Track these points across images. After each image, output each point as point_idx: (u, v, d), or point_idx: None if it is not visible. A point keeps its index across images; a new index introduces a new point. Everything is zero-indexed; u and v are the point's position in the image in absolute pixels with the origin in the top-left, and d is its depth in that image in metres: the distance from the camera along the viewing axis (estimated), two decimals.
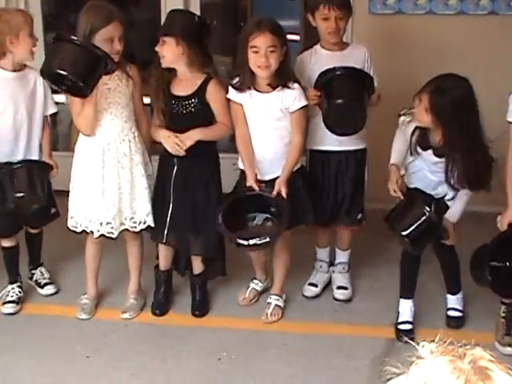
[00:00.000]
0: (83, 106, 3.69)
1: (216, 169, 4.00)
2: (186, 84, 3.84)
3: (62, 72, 3.51)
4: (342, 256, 4.32)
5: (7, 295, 4.14)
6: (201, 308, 4.11)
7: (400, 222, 3.65)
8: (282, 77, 3.72)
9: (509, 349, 3.66)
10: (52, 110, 4.06)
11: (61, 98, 3.96)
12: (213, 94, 3.82)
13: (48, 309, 4.16)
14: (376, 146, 3.96)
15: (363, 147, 4.10)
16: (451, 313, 3.92)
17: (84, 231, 3.93)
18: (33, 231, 4.26)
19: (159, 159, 4.02)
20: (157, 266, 4.16)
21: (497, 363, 1.19)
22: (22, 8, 5.45)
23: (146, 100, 4.06)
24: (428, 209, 3.56)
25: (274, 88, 3.73)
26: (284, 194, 3.73)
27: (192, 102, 3.82)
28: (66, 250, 4.66)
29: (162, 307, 4.11)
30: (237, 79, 3.77)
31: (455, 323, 3.89)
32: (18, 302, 4.13)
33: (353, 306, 4.16)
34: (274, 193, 3.74)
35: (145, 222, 3.95)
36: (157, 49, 3.76)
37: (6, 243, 4.15)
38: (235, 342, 3.82)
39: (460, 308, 3.93)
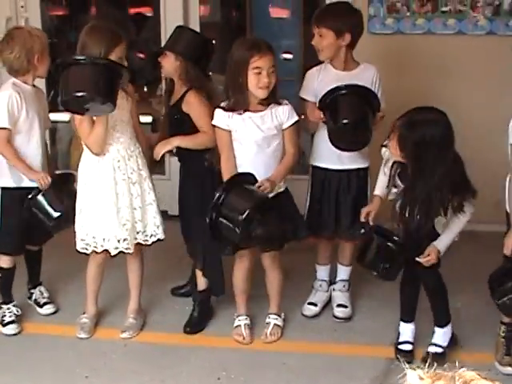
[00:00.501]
0: (93, 125, 3.71)
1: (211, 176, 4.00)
2: (175, 95, 3.99)
3: (82, 94, 3.51)
4: (342, 273, 4.31)
5: (4, 316, 4.11)
6: (193, 325, 4.12)
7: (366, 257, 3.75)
8: (274, 94, 3.74)
9: (509, 369, 3.65)
10: (49, 125, 4.21)
11: (60, 116, 3.97)
12: (189, 104, 3.91)
13: (47, 328, 4.14)
14: (379, 164, 3.96)
15: (365, 166, 4.11)
16: (432, 348, 3.78)
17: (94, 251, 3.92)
18: (33, 249, 4.25)
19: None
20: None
21: (488, 381, 1.21)
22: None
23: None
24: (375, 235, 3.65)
25: (266, 106, 3.75)
26: (268, 190, 3.67)
27: (174, 112, 3.98)
28: (66, 269, 4.66)
29: (194, 326, 4.14)
30: (224, 103, 3.77)
31: (434, 359, 3.61)
32: (18, 321, 4.11)
33: (352, 325, 4.15)
34: (257, 185, 3.66)
35: (156, 235, 3.97)
36: (159, 59, 3.96)
37: (5, 264, 4.11)
38: (235, 361, 3.81)
39: (443, 344, 3.79)
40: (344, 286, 4.30)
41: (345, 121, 3.78)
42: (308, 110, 3.98)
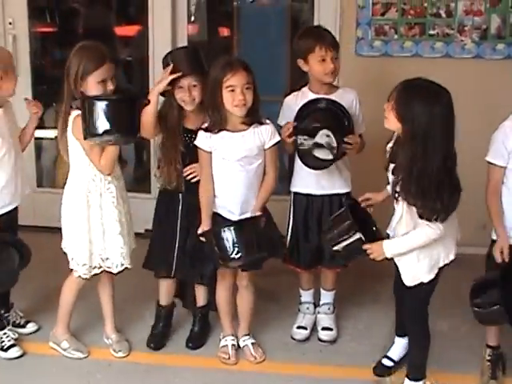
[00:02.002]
0: (105, 147, 3.69)
1: None
2: (191, 121, 3.91)
3: (108, 132, 3.50)
4: (326, 297, 4.30)
5: (3, 341, 4.02)
6: (195, 340, 4.12)
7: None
8: (255, 114, 3.75)
9: None
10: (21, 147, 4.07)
11: (45, 133, 3.93)
12: None
13: (30, 346, 4.09)
14: (361, 189, 3.95)
15: (347, 191, 4.08)
16: (385, 361, 3.82)
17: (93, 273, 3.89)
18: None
19: (159, 196, 4.07)
20: (158, 302, 4.18)
21: None
22: (10, 44, 5.51)
23: None
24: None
25: (248, 125, 3.75)
26: (257, 213, 3.75)
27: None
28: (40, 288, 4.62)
29: (158, 342, 4.10)
30: (206, 124, 3.77)
31: (382, 370, 3.81)
32: (18, 344, 4.04)
33: (338, 347, 4.14)
34: (249, 214, 3.75)
35: (122, 264, 3.91)
36: (185, 93, 3.80)
37: None
38: (219, 381, 3.79)
39: (396, 359, 3.83)
40: (329, 308, 4.28)
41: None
42: (282, 129, 3.95)
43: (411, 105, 3.16)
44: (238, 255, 3.58)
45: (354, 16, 5.19)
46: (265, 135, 3.76)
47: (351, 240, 3.44)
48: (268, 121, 3.79)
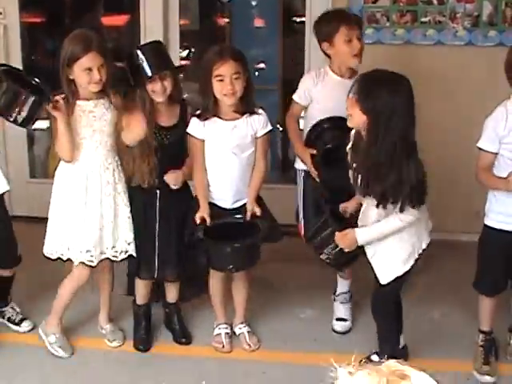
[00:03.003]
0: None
1: (191, 195, 3.98)
2: (166, 115, 3.87)
3: None
4: (343, 286, 4.26)
5: (12, 316, 4.16)
6: (187, 334, 4.10)
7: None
8: (248, 103, 3.75)
9: (487, 378, 3.67)
10: None
11: (37, 123, 3.91)
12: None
13: (21, 337, 4.12)
14: None
15: None
16: (374, 357, 3.74)
17: (59, 259, 3.87)
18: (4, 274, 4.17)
19: (134, 193, 3.93)
20: (134, 301, 4.12)
21: (410, 366, 1.33)
22: (1, 34, 5.48)
23: None
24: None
25: (241, 114, 3.75)
26: (258, 213, 3.76)
27: (175, 133, 3.87)
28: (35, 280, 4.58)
29: (145, 343, 4.05)
30: (199, 111, 3.77)
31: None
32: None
33: (333, 336, 4.14)
34: (248, 214, 3.76)
35: (126, 252, 3.92)
36: (157, 84, 3.72)
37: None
38: (215, 371, 3.81)
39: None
40: (345, 298, 4.26)
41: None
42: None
43: (375, 95, 3.20)
44: (233, 267, 3.72)
45: (345, 4, 5.16)
46: (257, 124, 3.76)
47: (335, 246, 3.50)
48: (261, 110, 3.80)
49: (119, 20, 6.46)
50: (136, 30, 5.59)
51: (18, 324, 4.20)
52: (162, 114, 3.85)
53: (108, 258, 3.92)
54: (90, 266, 3.85)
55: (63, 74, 3.70)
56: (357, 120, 3.28)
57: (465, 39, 5.13)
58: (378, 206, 3.30)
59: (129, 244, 3.92)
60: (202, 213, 3.74)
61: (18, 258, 4.09)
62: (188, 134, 3.80)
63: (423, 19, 5.15)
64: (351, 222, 3.57)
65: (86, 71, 3.66)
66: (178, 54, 5.54)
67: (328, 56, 4.01)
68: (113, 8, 6.58)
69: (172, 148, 3.87)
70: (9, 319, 4.21)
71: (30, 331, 4.16)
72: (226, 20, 6.34)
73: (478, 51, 5.11)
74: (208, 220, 3.72)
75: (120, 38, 6.54)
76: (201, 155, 3.79)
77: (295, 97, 4.08)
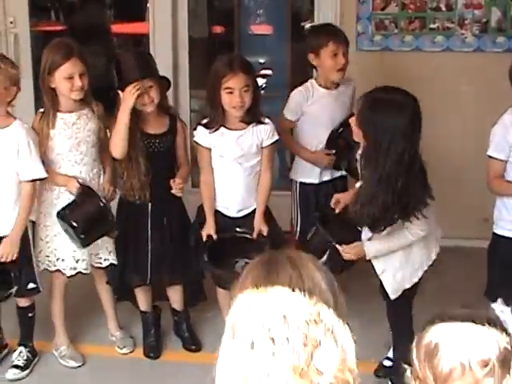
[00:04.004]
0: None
1: (182, 203, 3.98)
2: (153, 124, 3.86)
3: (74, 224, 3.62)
4: None
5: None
6: (197, 341, 4.10)
7: None
8: (255, 113, 3.75)
9: None
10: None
11: None
12: (180, 133, 3.97)
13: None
14: None
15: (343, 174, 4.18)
16: (386, 362, 3.79)
17: (46, 269, 3.87)
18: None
19: (124, 205, 3.93)
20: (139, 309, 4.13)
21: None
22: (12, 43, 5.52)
23: None
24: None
25: (247, 124, 3.75)
26: (265, 233, 3.77)
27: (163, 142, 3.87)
28: None
29: (155, 350, 4.05)
30: (206, 120, 3.77)
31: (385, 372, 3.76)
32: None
33: None
34: (255, 235, 3.76)
35: (109, 260, 3.94)
36: (140, 92, 3.66)
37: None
38: None
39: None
40: None
41: None
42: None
43: (374, 121, 3.13)
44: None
45: (354, 11, 5.18)
46: (263, 134, 3.77)
47: (328, 254, 3.49)
48: (268, 120, 3.79)
49: (129, 28, 6.50)
50: (145, 38, 5.61)
51: None
52: (150, 122, 3.84)
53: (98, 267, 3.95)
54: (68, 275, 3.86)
55: (44, 84, 3.71)
56: (357, 138, 3.27)
57: (473, 45, 5.13)
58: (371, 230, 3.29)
59: (109, 253, 3.93)
60: (209, 230, 3.75)
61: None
62: (195, 142, 3.81)
63: (432, 26, 5.16)
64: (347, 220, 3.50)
65: (68, 78, 3.66)
66: (186, 64, 5.55)
67: (313, 67, 4.11)
68: (124, 16, 6.62)
69: (161, 158, 3.86)
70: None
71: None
72: (235, 27, 6.35)
73: (487, 57, 5.11)
74: (214, 237, 3.73)
75: (131, 46, 6.57)
76: (209, 164, 3.80)
77: (286, 113, 4.12)
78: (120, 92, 3.70)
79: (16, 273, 3.66)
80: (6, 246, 3.63)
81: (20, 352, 3.91)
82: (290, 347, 1.24)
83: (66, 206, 3.69)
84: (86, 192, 3.70)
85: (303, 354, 1.23)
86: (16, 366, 3.88)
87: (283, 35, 6.06)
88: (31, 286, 3.78)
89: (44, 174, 3.68)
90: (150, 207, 3.87)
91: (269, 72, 5.98)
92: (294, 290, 1.32)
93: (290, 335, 1.24)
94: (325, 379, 1.24)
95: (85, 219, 3.65)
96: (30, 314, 3.92)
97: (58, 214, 3.68)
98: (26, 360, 3.90)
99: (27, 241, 3.77)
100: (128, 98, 3.63)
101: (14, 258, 3.64)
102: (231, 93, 3.62)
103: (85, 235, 3.65)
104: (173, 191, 3.80)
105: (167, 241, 3.89)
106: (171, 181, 3.78)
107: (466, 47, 5.13)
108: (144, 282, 3.97)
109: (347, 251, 3.43)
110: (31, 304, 3.89)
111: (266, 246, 3.66)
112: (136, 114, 3.74)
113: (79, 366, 3.93)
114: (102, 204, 3.68)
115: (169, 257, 3.91)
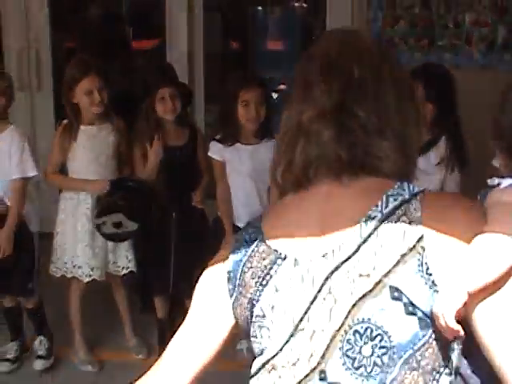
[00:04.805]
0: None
1: (204, 213, 4.10)
2: (176, 135, 4.00)
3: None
4: None
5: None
6: None
7: None
8: (268, 128, 3.83)
9: None
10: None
11: None
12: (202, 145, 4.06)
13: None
14: None
15: None
16: None
17: (65, 277, 4.00)
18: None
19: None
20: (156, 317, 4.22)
21: None
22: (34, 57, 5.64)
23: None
24: None
25: (260, 139, 3.84)
26: None
27: (184, 153, 4.00)
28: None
29: None
30: (219, 135, 3.87)
31: None
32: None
33: None
34: None
35: (128, 268, 4.05)
36: (167, 102, 3.84)
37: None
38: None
39: None
40: None
41: None
42: None
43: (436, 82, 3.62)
44: None
45: (364, 28, 5.28)
46: None
47: None
48: None
49: (147, 44, 6.62)
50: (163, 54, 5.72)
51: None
52: (171, 134, 3.96)
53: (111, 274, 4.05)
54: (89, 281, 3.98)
55: (66, 98, 3.86)
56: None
57: (480, 62, 5.24)
58: None
59: (129, 261, 4.03)
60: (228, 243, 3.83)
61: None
62: (209, 156, 3.90)
63: (440, 43, 5.26)
64: None
65: (87, 93, 3.81)
66: (202, 78, 5.67)
67: None
68: (142, 33, 6.74)
69: (183, 169, 3.97)
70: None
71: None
72: (249, 42, 6.46)
73: (493, 74, 5.20)
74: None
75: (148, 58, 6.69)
76: (224, 177, 3.88)
77: None
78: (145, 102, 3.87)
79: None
80: (2, 241, 3.78)
81: (40, 341, 4.07)
82: None
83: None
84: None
85: None
86: (40, 357, 4.04)
87: (296, 51, 6.16)
88: (29, 286, 3.95)
89: (34, 172, 3.85)
90: (173, 217, 3.97)
91: (283, 87, 6.10)
92: None
93: None
94: None
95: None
96: (38, 314, 4.09)
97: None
98: (47, 349, 4.06)
99: (32, 248, 3.94)
100: (158, 149, 3.84)
101: (9, 253, 3.80)
102: (247, 105, 3.71)
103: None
104: (194, 203, 3.92)
105: (189, 251, 3.97)
106: (193, 193, 3.91)
107: (473, 64, 5.22)
108: (166, 292, 4.08)
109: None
110: (37, 303, 4.06)
111: None
112: (158, 126, 3.87)
113: (96, 372, 4.04)
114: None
115: (190, 267, 4.00)
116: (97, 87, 3.83)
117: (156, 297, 4.15)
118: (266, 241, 1.41)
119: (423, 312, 1.26)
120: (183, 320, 1.53)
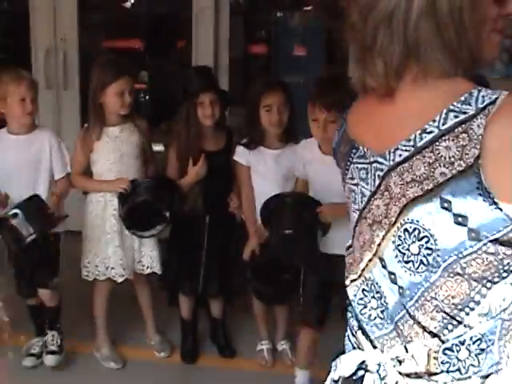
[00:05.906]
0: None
1: (235, 218, 4.12)
2: (214, 141, 4.02)
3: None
4: None
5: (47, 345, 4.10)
6: (231, 348, 4.27)
7: None
8: (291, 132, 3.86)
9: None
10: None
11: None
12: None
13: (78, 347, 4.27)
14: None
15: None
16: None
17: (95, 279, 4.04)
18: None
19: (181, 218, 4.00)
20: (180, 316, 4.28)
21: None
22: (61, 60, 5.71)
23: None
24: None
25: (285, 143, 3.87)
26: None
27: (220, 159, 4.01)
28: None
29: (192, 355, 4.21)
30: (245, 140, 3.90)
31: None
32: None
33: None
34: None
35: (152, 267, 4.08)
36: (206, 108, 3.85)
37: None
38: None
39: None
40: None
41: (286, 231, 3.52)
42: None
43: None
44: (276, 303, 4.04)
45: None
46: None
47: None
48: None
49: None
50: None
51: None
52: (209, 139, 3.98)
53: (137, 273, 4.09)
54: (114, 281, 4.04)
55: (94, 99, 3.87)
56: None
57: (502, 73, 5.28)
58: None
59: (153, 261, 4.07)
60: (252, 246, 3.88)
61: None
62: (235, 161, 3.94)
63: None
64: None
65: (118, 95, 3.83)
66: (227, 81, 5.68)
67: None
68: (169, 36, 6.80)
69: (219, 174, 3.99)
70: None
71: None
72: (271, 49, 6.50)
73: None
74: (257, 253, 3.85)
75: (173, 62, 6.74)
76: (249, 181, 3.91)
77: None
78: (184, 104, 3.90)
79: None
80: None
81: (52, 336, 4.08)
82: None
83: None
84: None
85: None
86: (52, 352, 4.05)
87: (319, 56, 6.21)
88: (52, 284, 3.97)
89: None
90: (207, 220, 4.01)
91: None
92: None
93: None
94: None
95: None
96: (55, 311, 4.10)
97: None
98: (59, 345, 4.07)
99: (58, 247, 3.97)
100: (201, 171, 3.89)
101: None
102: (270, 110, 3.74)
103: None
104: (230, 209, 3.98)
105: (219, 253, 4.03)
106: (229, 199, 3.97)
107: (495, 74, 5.26)
108: (193, 292, 4.14)
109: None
110: (57, 301, 4.07)
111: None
112: (197, 130, 3.90)
113: (119, 369, 4.09)
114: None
115: (218, 269, 4.05)
116: (128, 89, 3.87)
117: (182, 296, 4.21)
118: (347, 131, 1.57)
119: (476, 225, 1.31)
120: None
